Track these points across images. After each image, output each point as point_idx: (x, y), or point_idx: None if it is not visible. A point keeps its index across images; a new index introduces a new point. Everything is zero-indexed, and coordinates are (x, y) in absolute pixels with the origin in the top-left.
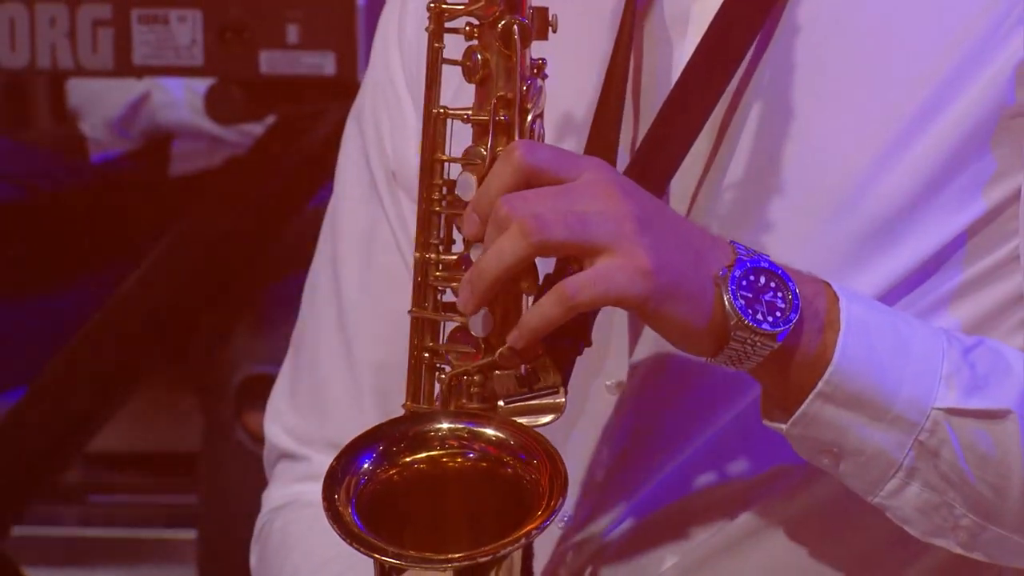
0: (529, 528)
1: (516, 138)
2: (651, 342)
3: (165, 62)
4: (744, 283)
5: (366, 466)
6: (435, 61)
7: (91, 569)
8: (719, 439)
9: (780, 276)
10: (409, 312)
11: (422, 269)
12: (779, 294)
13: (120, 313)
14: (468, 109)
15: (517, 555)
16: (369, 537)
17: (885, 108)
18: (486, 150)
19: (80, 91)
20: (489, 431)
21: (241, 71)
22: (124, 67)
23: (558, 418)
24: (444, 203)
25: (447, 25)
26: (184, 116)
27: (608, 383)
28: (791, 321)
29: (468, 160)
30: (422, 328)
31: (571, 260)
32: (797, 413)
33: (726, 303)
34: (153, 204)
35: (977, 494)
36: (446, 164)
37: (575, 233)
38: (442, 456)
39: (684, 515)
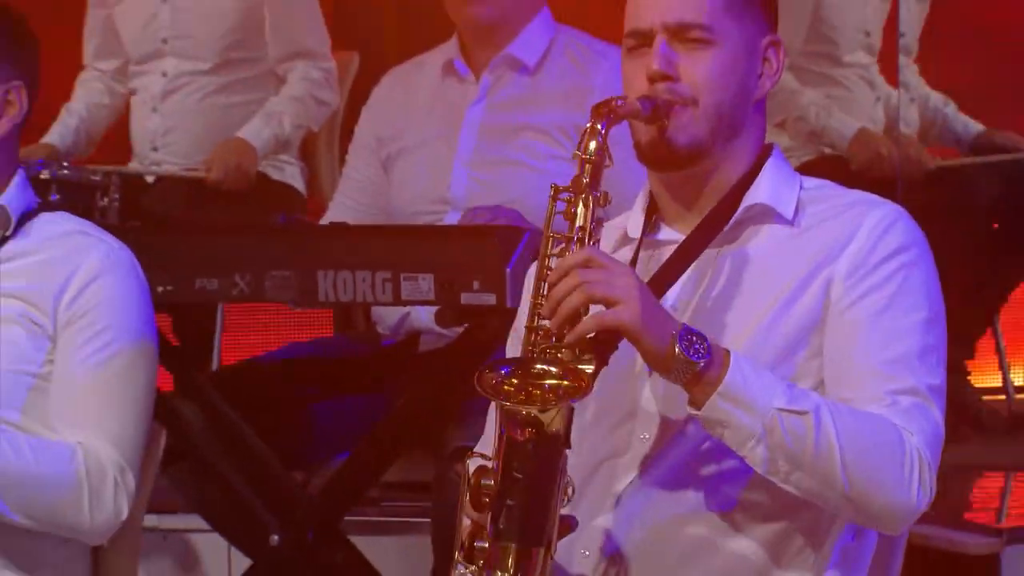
0: (567, 398)
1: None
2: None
3: (415, 297)
4: (685, 339)
5: (501, 371)
6: (551, 216)
7: (378, 536)
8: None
9: (704, 338)
10: (526, 326)
11: (534, 309)
12: (702, 347)
13: (395, 416)
14: (564, 234)
15: (564, 420)
16: (495, 392)
17: (753, 318)
18: (569, 252)
19: (377, 311)
20: (559, 368)
21: (452, 302)
22: (396, 300)
23: (591, 374)
24: (546, 276)
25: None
26: (426, 323)
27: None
28: (706, 357)
29: (559, 254)
30: (532, 334)
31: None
32: (707, 404)
33: (676, 346)
34: (410, 366)
35: (792, 454)
36: (549, 258)
37: (607, 292)
38: (533, 376)
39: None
